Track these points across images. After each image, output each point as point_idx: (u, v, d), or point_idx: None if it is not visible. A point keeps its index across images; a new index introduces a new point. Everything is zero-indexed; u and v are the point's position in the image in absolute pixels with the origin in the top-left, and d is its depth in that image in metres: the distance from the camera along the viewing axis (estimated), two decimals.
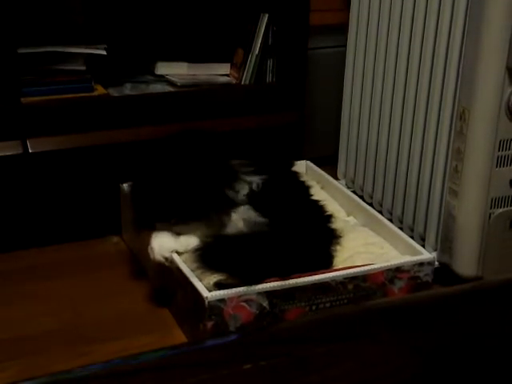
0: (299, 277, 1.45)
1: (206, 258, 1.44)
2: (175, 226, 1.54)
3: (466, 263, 1.64)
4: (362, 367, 0.68)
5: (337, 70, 2.10)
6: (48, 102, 1.77)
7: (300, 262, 1.49)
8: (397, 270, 1.52)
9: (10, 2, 1.67)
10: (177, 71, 2.02)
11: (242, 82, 2.00)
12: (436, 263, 1.63)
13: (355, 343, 0.71)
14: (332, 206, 1.80)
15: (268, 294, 1.42)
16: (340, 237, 1.62)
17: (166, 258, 1.52)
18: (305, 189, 1.73)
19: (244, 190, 1.56)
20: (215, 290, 1.41)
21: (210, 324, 1.39)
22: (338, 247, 1.60)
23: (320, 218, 1.66)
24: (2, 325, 1.54)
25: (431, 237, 1.71)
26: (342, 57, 2.01)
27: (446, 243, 1.67)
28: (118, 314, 1.59)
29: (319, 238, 1.59)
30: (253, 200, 1.56)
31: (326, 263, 1.55)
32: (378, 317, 0.76)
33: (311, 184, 1.80)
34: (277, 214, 1.56)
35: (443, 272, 1.66)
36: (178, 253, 1.52)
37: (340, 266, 1.54)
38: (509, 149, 1.58)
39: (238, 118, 1.95)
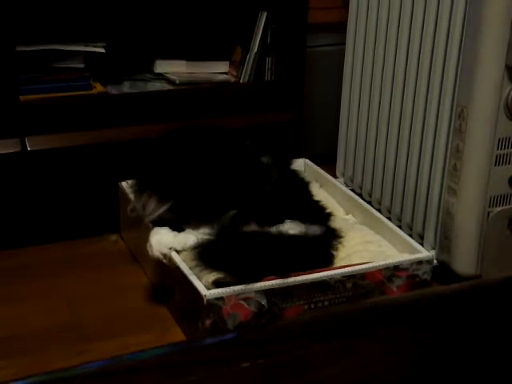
0: (298, 275, 1.45)
1: (204, 256, 1.44)
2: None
3: (464, 261, 1.64)
4: (360, 365, 0.68)
5: (336, 68, 2.10)
6: (47, 100, 1.77)
7: (300, 260, 1.49)
8: (395, 269, 1.52)
9: (8, 0, 1.67)
10: (175, 69, 2.02)
11: (241, 80, 2.00)
12: (434, 261, 1.63)
13: (354, 341, 0.71)
14: (331, 204, 1.80)
15: (267, 292, 1.42)
16: (341, 236, 1.61)
17: (164, 255, 1.52)
18: (306, 187, 1.73)
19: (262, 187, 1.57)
20: (214, 288, 1.41)
21: (208, 322, 1.39)
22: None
23: (320, 216, 1.66)
24: None
25: (430, 235, 1.71)
26: (341, 55, 2.01)
27: (444, 241, 1.67)
28: (116, 312, 1.59)
29: (319, 236, 1.58)
30: (269, 198, 1.56)
31: (326, 263, 1.54)
32: (377, 315, 0.76)
33: (311, 182, 1.80)
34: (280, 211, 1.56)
35: (442, 270, 1.66)
36: (177, 251, 1.52)
37: (338, 265, 1.54)
38: (508, 147, 1.58)
39: (237, 116, 1.94)
